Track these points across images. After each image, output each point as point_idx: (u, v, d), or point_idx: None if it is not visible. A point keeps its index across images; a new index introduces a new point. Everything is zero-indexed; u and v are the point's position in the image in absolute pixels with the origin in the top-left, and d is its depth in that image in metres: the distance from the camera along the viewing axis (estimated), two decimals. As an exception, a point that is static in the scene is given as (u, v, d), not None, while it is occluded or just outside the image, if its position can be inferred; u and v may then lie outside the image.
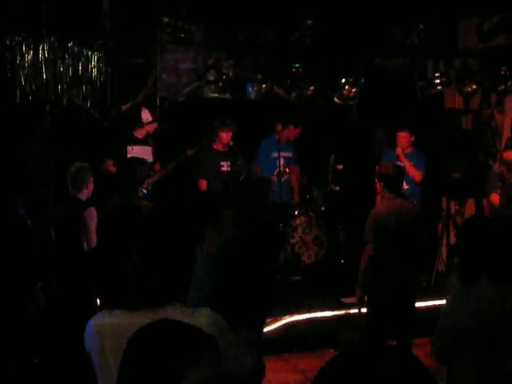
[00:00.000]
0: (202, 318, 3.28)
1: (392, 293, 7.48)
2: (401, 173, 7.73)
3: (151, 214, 6.11)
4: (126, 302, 3.38)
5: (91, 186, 7.76)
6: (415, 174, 10.43)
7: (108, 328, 3.31)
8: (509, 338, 4.34)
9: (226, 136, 10.29)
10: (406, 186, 10.39)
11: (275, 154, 10.69)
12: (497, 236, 4.50)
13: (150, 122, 10.09)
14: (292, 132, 11.07)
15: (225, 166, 10.38)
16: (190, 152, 10.16)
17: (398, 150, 10.43)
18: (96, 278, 7.34)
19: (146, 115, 10.09)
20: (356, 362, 1.92)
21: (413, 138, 10.57)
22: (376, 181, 7.69)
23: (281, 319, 9.27)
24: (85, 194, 7.69)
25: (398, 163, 10.38)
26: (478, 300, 4.37)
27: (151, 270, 3.35)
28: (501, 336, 4.34)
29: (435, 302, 9.25)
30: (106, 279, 6.95)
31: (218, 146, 10.41)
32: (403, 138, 10.52)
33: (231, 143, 10.33)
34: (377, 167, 7.89)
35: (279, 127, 10.73)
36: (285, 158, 10.88)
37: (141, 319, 2.89)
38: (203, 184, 10.16)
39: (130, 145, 10.05)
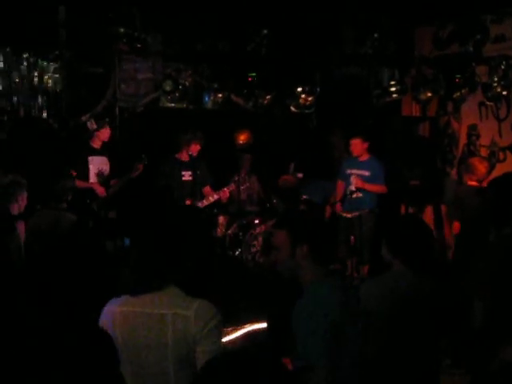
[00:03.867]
0: (190, 307, 3.62)
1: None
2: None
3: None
4: (129, 288, 3.74)
5: (24, 201, 7.62)
6: (380, 190, 10.58)
7: (117, 315, 3.70)
8: (405, 326, 4.47)
9: (196, 148, 10.36)
10: (359, 194, 10.47)
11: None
12: (412, 231, 4.67)
13: (97, 129, 10.03)
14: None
15: (186, 176, 10.41)
16: (139, 166, 10.12)
17: (358, 183, 10.45)
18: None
19: (91, 124, 10.05)
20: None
21: (366, 145, 10.62)
22: None
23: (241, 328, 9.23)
24: (15, 208, 7.55)
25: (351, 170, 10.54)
26: (387, 286, 4.54)
27: (146, 260, 3.74)
28: (399, 322, 4.47)
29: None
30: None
31: (180, 156, 10.44)
32: (355, 145, 10.60)
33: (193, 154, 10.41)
34: None
35: None
36: None
37: (142, 305, 3.62)
38: None
39: (90, 155, 10.05)
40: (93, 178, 10.02)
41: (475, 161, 9.93)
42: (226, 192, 10.37)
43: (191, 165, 10.45)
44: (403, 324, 4.47)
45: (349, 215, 10.56)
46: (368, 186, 10.50)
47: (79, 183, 9.59)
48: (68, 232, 6.56)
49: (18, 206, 7.51)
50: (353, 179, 10.48)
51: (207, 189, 10.56)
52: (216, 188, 10.51)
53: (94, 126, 10.01)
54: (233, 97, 10.41)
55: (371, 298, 4.49)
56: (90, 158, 10.02)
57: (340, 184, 10.96)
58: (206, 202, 10.22)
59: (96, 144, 10.08)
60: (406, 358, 4.48)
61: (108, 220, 9.69)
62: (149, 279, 3.72)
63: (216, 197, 10.32)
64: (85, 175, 9.90)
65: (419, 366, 4.52)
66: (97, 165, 10.08)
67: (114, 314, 3.73)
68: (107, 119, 10.12)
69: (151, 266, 3.74)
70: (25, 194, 7.60)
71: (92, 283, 5.12)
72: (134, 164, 10.09)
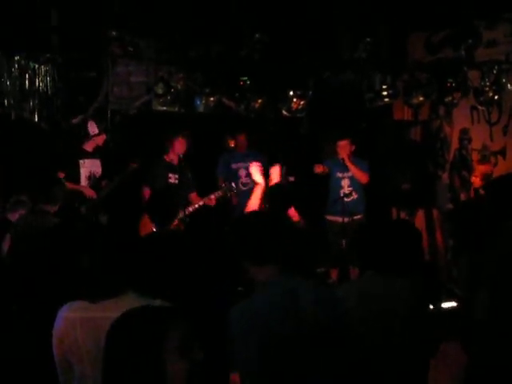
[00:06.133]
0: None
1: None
2: None
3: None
4: (86, 294, 3.78)
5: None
6: (361, 175, 10.46)
7: (77, 321, 3.72)
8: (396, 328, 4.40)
9: (180, 145, 10.24)
10: (355, 195, 10.45)
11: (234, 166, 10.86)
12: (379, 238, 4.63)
13: (97, 135, 10.04)
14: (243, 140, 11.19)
15: (172, 178, 10.33)
16: (133, 165, 10.08)
17: (343, 155, 10.41)
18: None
19: (92, 128, 10.04)
20: None
21: (353, 147, 10.57)
22: None
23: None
24: (14, 217, 7.79)
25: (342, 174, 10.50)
26: (359, 294, 4.46)
27: (105, 266, 3.78)
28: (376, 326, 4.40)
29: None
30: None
31: (168, 158, 10.38)
32: (344, 146, 10.51)
33: (181, 157, 10.28)
34: None
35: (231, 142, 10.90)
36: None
37: (103, 310, 3.62)
38: (146, 193, 10.08)
39: (81, 158, 10.03)
40: (84, 181, 9.99)
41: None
42: (212, 199, 10.21)
43: (179, 168, 10.34)
44: (380, 326, 4.40)
45: (340, 219, 10.49)
46: (352, 166, 10.39)
47: (70, 186, 9.61)
48: (47, 235, 6.60)
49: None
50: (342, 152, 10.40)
51: (194, 195, 10.43)
52: (204, 194, 10.38)
53: (96, 131, 9.99)
54: (224, 100, 10.40)
55: (350, 298, 4.41)
56: (81, 162, 10.00)
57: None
58: (191, 209, 10.07)
59: (89, 147, 10.06)
60: (385, 356, 4.39)
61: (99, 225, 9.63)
62: (109, 285, 3.76)
63: (201, 203, 10.14)
64: (75, 178, 9.88)
65: (402, 367, 4.43)
66: (88, 168, 10.06)
67: (74, 320, 3.73)
68: (103, 126, 10.10)
69: (112, 272, 3.78)
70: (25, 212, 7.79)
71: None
72: (126, 165, 10.06)
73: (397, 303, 4.43)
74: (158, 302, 3.70)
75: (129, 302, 3.63)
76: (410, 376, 4.46)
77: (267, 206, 10.93)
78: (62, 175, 9.71)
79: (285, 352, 3.64)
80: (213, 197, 10.16)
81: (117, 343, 2.65)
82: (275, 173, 7.54)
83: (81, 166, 10.00)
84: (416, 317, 4.50)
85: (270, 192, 7.52)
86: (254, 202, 7.18)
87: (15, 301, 5.63)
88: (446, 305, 7.71)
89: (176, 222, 8.45)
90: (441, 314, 5.58)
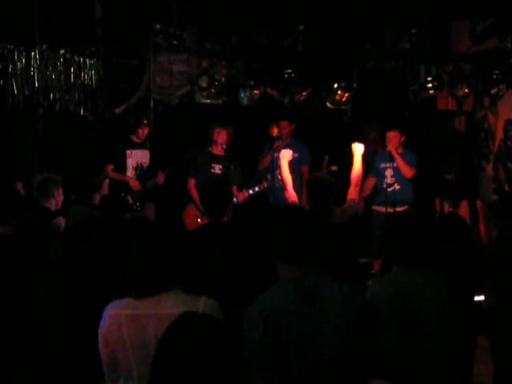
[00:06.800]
0: (197, 303, 3.66)
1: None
2: None
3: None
4: (131, 291, 3.73)
5: (60, 197, 7.70)
6: (407, 170, 10.29)
7: (123, 319, 3.68)
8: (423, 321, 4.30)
9: (219, 135, 10.18)
10: (397, 187, 10.35)
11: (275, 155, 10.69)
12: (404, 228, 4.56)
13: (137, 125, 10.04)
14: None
15: (216, 169, 10.27)
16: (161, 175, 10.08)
17: (391, 147, 10.28)
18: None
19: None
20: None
21: (403, 138, 10.42)
22: None
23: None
24: (53, 204, 7.64)
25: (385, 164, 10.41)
26: (393, 287, 4.38)
27: (150, 262, 3.71)
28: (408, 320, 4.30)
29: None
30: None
31: (213, 149, 10.31)
32: (393, 137, 10.37)
33: (226, 147, 10.23)
34: None
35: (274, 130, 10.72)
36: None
37: (149, 307, 3.62)
38: (191, 183, 10.09)
39: (129, 149, 10.03)
40: (130, 172, 10.02)
41: None
42: (249, 193, 10.18)
43: (224, 159, 10.30)
44: (416, 322, 4.27)
45: (383, 209, 10.40)
46: (399, 159, 10.28)
47: (115, 175, 9.69)
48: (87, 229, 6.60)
49: (55, 201, 7.60)
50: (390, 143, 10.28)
51: (235, 189, 10.34)
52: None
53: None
54: (268, 90, 10.32)
55: (379, 299, 4.30)
56: (128, 152, 10.00)
57: (371, 180, 10.71)
58: (241, 198, 10.04)
59: (136, 138, 10.05)
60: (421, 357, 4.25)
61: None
62: (154, 281, 3.71)
63: (250, 193, 10.10)
64: (122, 168, 9.93)
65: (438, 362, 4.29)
66: (136, 158, 10.05)
67: (119, 317, 3.71)
68: (145, 121, 10.06)
69: (158, 267, 3.72)
70: (60, 190, 7.66)
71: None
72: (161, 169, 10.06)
73: (436, 299, 4.33)
74: (203, 299, 3.70)
75: (174, 298, 3.66)
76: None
77: (307, 197, 10.89)
78: (110, 167, 9.77)
79: (282, 357, 3.49)
80: (255, 190, 10.11)
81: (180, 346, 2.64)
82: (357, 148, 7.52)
83: (127, 156, 10.01)
84: (457, 312, 4.41)
85: (308, 183, 7.47)
86: (285, 171, 7.33)
87: (62, 298, 5.68)
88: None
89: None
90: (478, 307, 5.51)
